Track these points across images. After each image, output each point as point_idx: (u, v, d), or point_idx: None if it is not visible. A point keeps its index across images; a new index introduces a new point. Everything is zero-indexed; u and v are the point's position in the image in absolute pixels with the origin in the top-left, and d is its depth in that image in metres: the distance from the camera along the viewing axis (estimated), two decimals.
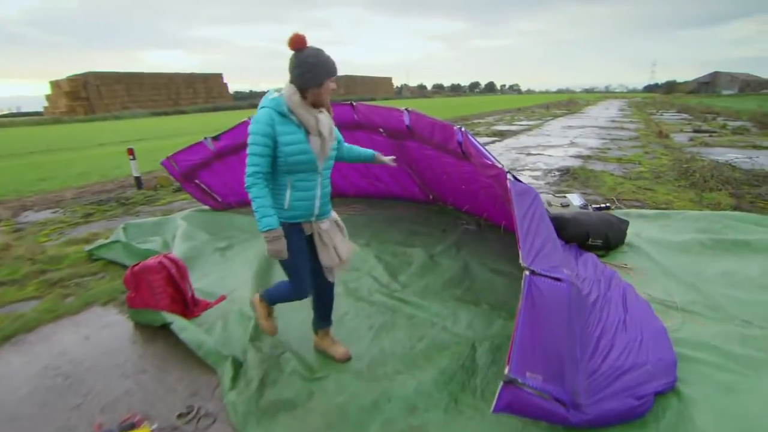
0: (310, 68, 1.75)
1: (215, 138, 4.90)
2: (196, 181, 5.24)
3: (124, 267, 3.77)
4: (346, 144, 2.27)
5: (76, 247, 4.36)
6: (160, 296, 2.67)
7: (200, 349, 2.31)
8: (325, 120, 1.87)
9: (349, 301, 2.92)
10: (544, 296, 1.80)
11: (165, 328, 2.57)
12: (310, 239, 2.04)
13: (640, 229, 4.14)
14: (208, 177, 5.24)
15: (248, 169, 1.79)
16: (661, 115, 22.96)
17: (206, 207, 5.41)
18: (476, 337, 2.45)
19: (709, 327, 2.50)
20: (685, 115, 21.89)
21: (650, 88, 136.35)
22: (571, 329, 1.85)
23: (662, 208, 5.03)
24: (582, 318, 1.91)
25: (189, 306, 2.84)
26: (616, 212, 4.82)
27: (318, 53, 1.77)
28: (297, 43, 1.74)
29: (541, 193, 5.79)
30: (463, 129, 2.86)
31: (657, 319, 2.40)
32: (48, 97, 57.83)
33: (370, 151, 2.39)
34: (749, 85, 68.06)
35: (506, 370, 1.66)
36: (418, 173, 4.78)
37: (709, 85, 72.90)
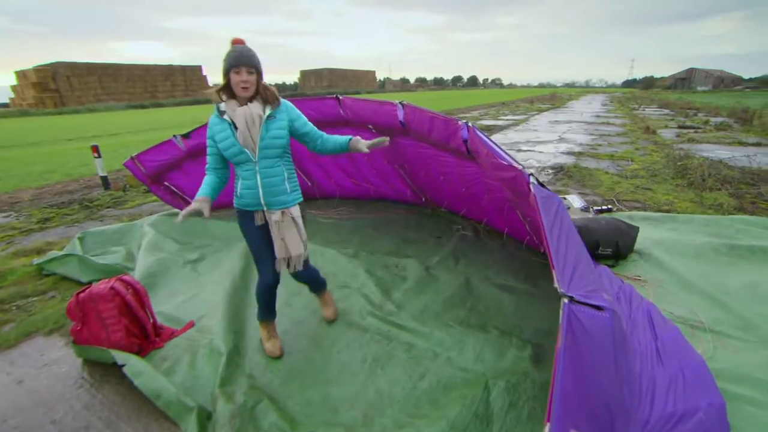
0: (222, 65, 1.92)
1: (186, 135, 4.43)
2: (166, 183, 4.75)
3: (79, 284, 3.31)
4: (325, 135, 2.20)
5: (24, 259, 3.85)
6: (113, 329, 2.24)
7: (159, 399, 1.89)
8: (242, 111, 1.93)
9: (339, 328, 2.54)
10: (587, 331, 1.46)
11: None
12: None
13: (648, 234, 3.87)
14: (179, 178, 4.76)
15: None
16: (644, 110, 23.16)
17: (178, 210, 4.92)
18: (487, 372, 2.11)
19: (746, 353, 2.22)
20: (666, 111, 22.12)
21: (629, 84, 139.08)
22: (618, 371, 1.52)
23: (665, 210, 4.80)
24: (626, 355, 1.60)
25: (150, 336, 2.41)
26: (619, 214, 4.56)
27: (228, 51, 1.90)
28: (232, 44, 1.92)
29: None
30: (469, 124, 2.50)
31: (693, 349, 2.11)
32: (14, 89, 54.94)
33: (344, 138, 2.19)
34: (723, 82, 69.90)
35: (546, 429, 1.32)
36: (411, 174, 4.41)
37: (685, 81, 74.53)
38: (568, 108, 26.01)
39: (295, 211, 2.13)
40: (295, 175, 2.18)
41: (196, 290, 3.08)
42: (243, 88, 1.90)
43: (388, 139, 2.19)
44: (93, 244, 3.89)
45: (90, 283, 3.23)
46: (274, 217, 2.05)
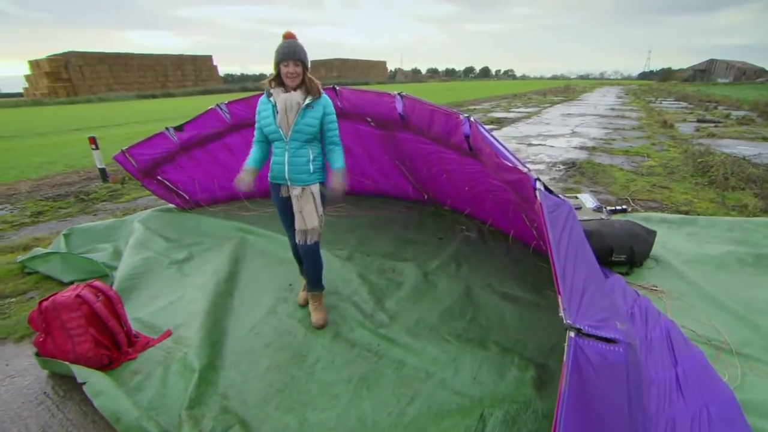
0: (273, 57, 2.18)
1: (178, 128, 4.25)
2: (159, 177, 4.58)
3: (61, 284, 3.17)
4: (338, 149, 2.36)
5: (10, 256, 3.72)
6: (79, 340, 2.07)
7: (118, 423, 1.71)
8: (284, 97, 2.19)
9: (325, 341, 2.34)
10: (596, 370, 1.24)
11: None
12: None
13: (665, 238, 3.60)
14: (173, 172, 4.59)
15: None
16: (660, 103, 22.43)
17: (172, 205, 4.77)
18: (484, 398, 1.90)
19: None
20: (684, 104, 21.38)
21: (645, 75, 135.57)
22: (632, 417, 1.30)
23: (683, 211, 4.50)
24: (640, 394, 1.38)
25: (122, 347, 2.25)
26: (634, 215, 4.29)
27: (278, 45, 2.15)
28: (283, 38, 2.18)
29: None
30: (471, 119, 2.26)
31: (719, 379, 1.86)
32: (27, 78, 55.47)
33: (339, 164, 2.37)
34: (745, 74, 67.49)
35: None
36: (412, 170, 4.18)
37: (705, 72, 72.18)
38: (581, 100, 25.34)
39: (315, 188, 2.33)
40: (322, 158, 2.38)
41: (180, 293, 2.91)
42: (290, 78, 2.16)
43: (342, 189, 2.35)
44: (79, 241, 3.74)
45: (71, 283, 3.10)
46: (295, 192, 2.30)
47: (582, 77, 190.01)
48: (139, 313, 2.63)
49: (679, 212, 4.46)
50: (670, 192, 5.27)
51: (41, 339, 2.09)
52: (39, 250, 3.55)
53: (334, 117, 2.33)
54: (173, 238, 3.87)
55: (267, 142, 2.37)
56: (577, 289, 1.41)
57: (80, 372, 1.93)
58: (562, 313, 1.30)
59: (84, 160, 8.62)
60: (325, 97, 2.29)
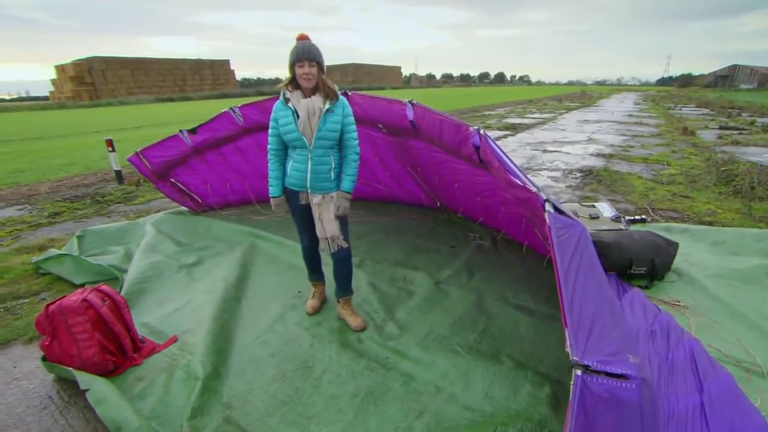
0: (288, 59, 2.11)
1: (192, 131, 4.27)
2: (172, 179, 4.61)
3: (73, 286, 3.18)
4: (355, 157, 2.28)
5: (26, 256, 3.77)
6: (84, 345, 2.05)
7: None
8: (305, 102, 2.12)
9: (331, 351, 2.28)
10: (605, 409, 1.16)
11: None
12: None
13: (688, 250, 3.45)
14: (186, 175, 4.61)
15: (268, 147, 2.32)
16: (680, 109, 21.90)
17: (184, 208, 4.79)
18: (496, 413, 1.82)
19: None
20: (705, 110, 20.85)
21: (664, 81, 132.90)
22: None
23: (707, 221, 4.33)
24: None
25: (127, 353, 2.22)
26: (654, 225, 4.13)
27: (293, 47, 2.08)
28: (297, 40, 2.10)
29: (565, 202, 5.10)
30: (481, 131, 2.19)
31: (749, 404, 1.74)
32: (53, 82, 57.24)
33: (349, 183, 2.30)
34: None
35: None
36: (424, 178, 4.11)
37: (727, 78, 70.31)
38: (598, 107, 24.93)
39: (334, 195, 2.28)
40: (340, 164, 2.32)
41: (188, 298, 2.88)
42: (306, 79, 2.08)
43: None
44: (92, 243, 3.77)
45: (83, 285, 3.12)
46: (315, 200, 2.26)
47: (599, 83, 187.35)
48: (146, 318, 2.62)
49: (702, 223, 4.29)
50: (692, 201, 5.08)
51: (47, 343, 2.08)
52: (53, 252, 3.59)
53: (352, 119, 2.25)
54: (184, 242, 3.87)
55: (284, 150, 2.29)
56: (586, 321, 1.32)
57: (83, 379, 1.91)
58: (568, 349, 1.22)
59: (101, 161, 8.79)
60: (343, 99, 2.22)
